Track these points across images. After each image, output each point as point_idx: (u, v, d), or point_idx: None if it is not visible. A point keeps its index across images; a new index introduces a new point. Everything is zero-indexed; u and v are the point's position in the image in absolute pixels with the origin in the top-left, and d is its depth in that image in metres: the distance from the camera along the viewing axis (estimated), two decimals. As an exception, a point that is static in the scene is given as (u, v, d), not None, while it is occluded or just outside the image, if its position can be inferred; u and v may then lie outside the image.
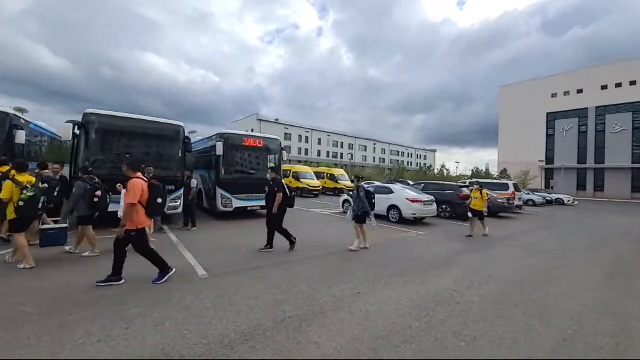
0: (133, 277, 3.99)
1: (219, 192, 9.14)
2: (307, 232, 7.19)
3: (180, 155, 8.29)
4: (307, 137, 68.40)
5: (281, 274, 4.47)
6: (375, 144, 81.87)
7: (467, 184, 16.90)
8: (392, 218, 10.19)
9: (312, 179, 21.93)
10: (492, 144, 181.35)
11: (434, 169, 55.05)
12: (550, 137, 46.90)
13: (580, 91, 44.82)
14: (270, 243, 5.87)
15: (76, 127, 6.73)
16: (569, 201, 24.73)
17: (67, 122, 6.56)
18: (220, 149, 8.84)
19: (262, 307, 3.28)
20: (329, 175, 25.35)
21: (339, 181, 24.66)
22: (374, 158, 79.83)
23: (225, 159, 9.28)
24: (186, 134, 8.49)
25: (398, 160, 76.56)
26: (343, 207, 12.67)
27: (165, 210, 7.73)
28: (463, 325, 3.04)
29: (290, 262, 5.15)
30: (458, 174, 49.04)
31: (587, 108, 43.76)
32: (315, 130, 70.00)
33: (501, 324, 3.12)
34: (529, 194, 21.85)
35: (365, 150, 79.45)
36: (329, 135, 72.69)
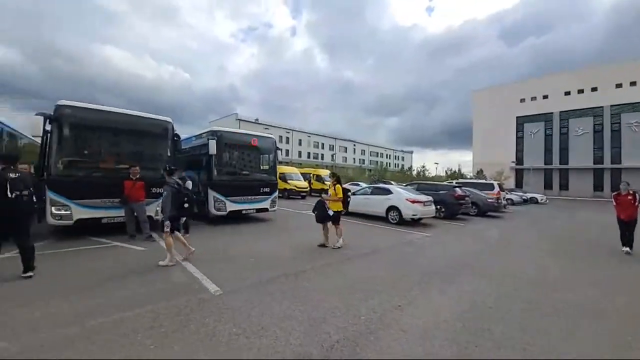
0: (133, 298, 3.35)
1: (212, 194, 8.41)
2: (313, 236, 6.72)
3: (169, 154, 7.49)
4: (287, 138, 67.51)
5: (303, 286, 3.99)
6: (355, 145, 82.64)
7: (454, 184, 17.20)
8: (392, 219, 9.96)
9: (298, 180, 21.39)
10: (462, 146, 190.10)
11: (413, 170, 56.29)
12: (519, 140, 49.76)
13: (545, 97, 47.94)
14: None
15: (47, 120, 5.80)
16: (542, 200, 26.24)
17: (36, 114, 5.63)
18: (213, 148, 8.13)
19: (300, 330, 2.80)
20: (315, 176, 24.91)
21: (325, 182, 24.28)
22: (354, 159, 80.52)
23: (218, 159, 8.56)
24: (175, 131, 7.70)
25: (377, 162, 77.74)
26: (338, 209, 12.30)
27: (155, 215, 6.96)
28: (528, 341, 2.75)
29: (306, 270, 4.67)
30: (433, 175, 50.62)
31: (552, 112, 46.91)
32: (296, 130, 69.32)
33: (561, 334, 2.87)
34: (507, 193, 22.81)
35: (346, 151, 79.96)
36: (309, 136, 72.30)
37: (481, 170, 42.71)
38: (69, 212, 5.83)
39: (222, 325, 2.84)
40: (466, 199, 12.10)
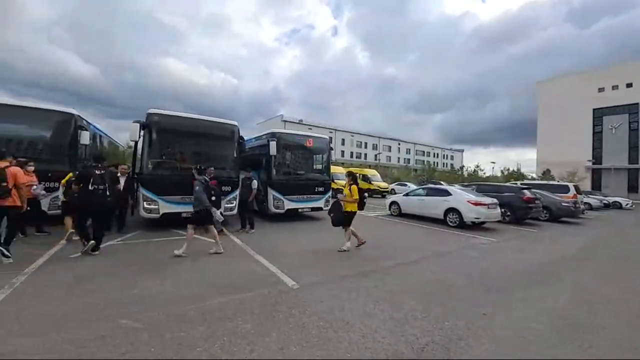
0: (220, 286, 3.71)
1: (271, 193, 8.86)
2: (372, 238, 6.68)
3: (235, 155, 8.08)
4: (330, 138, 67.51)
5: (375, 286, 4.00)
6: (399, 144, 79.98)
7: (518, 185, 15.68)
8: (451, 222, 9.44)
9: (345, 180, 21.42)
10: (520, 143, 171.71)
11: (465, 170, 52.38)
12: (597, 135, 43.39)
13: (629, 85, 41.15)
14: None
15: (141, 127, 6.66)
16: (627, 204, 22.66)
17: (133, 122, 6.50)
18: (274, 149, 8.55)
19: (385, 328, 2.83)
20: (361, 175, 24.68)
21: (372, 182, 23.98)
22: (399, 158, 77.96)
23: (277, 159, 8.99)
24: (240, 134, 8.26)
25: (424, 161, 74.16)
26: (390, 210, 12.06)
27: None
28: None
29: (375, 271, 4.68)
30: (488, 175, 46.49)
31: (637, 103, 40.08)
32: (339, 130, 69.37)
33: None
34: (584, 197, 20.06)
35: (390, 150, 77.78)
36: (353, 135, 71.80)
37: (548, 171, 38.21)
38: (156, 206, 6.65)
39: (307, 317, 3.00)
40: (536, 202, 10.94)
